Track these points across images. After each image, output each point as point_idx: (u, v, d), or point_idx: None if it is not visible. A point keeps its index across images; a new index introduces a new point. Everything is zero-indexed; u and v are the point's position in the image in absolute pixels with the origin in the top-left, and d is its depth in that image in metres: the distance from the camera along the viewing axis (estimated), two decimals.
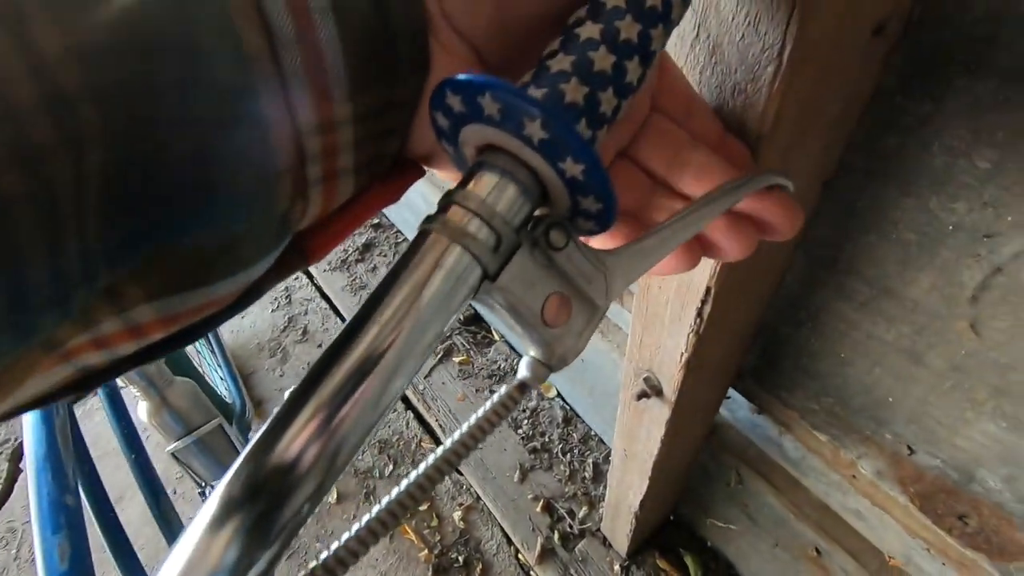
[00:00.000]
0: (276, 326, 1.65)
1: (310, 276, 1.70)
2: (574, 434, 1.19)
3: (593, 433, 1.18)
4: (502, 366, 1.32)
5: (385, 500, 0.20)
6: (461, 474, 1.28)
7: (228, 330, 1.65)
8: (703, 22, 0.28)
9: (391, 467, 1.34)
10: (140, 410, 0.83)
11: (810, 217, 0.44)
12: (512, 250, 0.19)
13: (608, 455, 1.16)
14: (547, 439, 1.20)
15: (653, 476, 0.68)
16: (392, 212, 1.72)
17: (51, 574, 0.38)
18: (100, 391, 0.62)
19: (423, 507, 1.25)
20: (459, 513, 1.23)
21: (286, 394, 0.19)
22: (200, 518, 0.16)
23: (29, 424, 0.49)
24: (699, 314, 0.42)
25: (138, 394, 0.83)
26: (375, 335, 0.18)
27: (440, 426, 1.29)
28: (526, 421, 1.23)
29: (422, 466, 0.19)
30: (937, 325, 0.41)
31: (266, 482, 0.16)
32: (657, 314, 0.47)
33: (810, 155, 0.36)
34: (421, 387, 1.33)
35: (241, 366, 1.56)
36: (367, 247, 1.72)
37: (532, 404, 1.25)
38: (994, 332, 0.38)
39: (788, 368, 0.57)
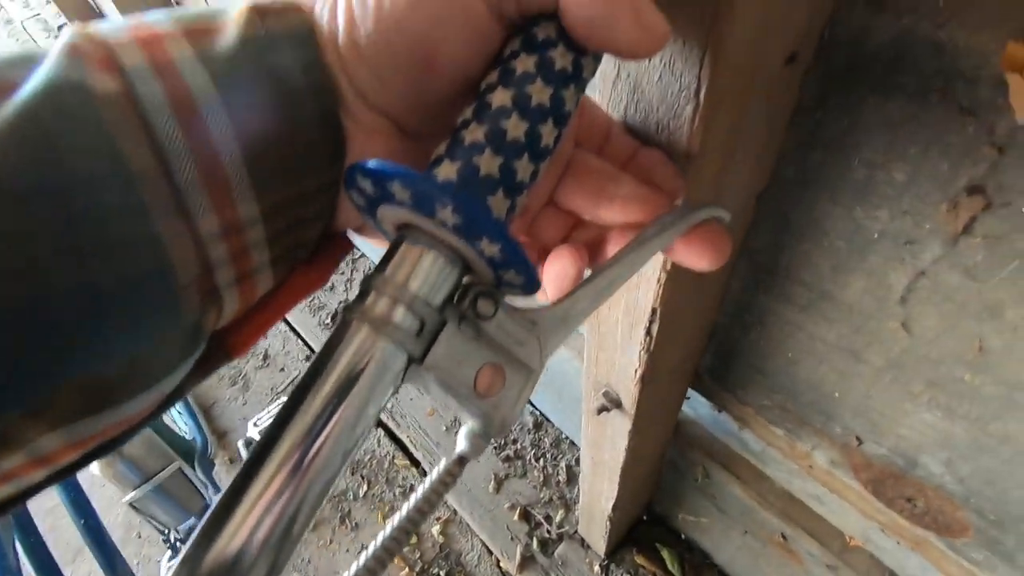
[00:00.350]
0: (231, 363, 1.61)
1: None
2: (545, 439, 1.20)
3: (564, 436, 1.19)
4: None
5: None
6: None
7: None
8: (623, 63, 0.28)
9: (365, 487, 1.32)
10: (91, 465, 0.79)
11: (749, 227, 0.45)
12: (437, 329, 0.19)
13: (580, 457, 1.17)
14: (519, 446, 1.20)
15: (622, 481, 0.69)
16: None
17: None
18: None
19: None
20: (437, 527, 1.22)
21: (215, 499, 0.18)
22: None
23: None
24: (648, 332, 0.43)
25: None
26: (304, 433, 0.17)
27: (412, 442, 1.28)
28: None
29: (363, 558, 0.19)
30: (872, 325, 0.43)
31: None
32: (609, 333, 0.47)
33: (741, 173, 0.36)
34: (389, 405, 1.31)
35: (200, 399, 1.51)
36: None
37: None
38: (923, 330, 0.40)
39: (741, 368, 0.58)
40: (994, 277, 0.34)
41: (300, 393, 0.17)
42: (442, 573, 1.18)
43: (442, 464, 0.20)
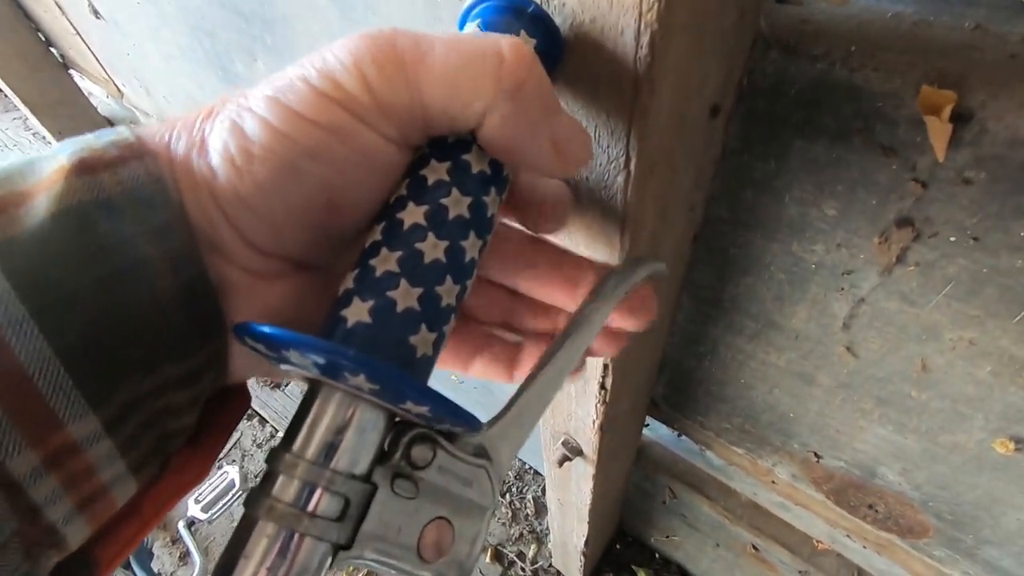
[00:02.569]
0: None
1: None
2: (509, 472, 1.17)
3: (528, 467, 1.17)
4: None
5: None
6: None
7: None
8: None
9: None
10: None
11: (691, 265, 0.45)
12: (366, 502, 0.16)
13: (545, 486, 1.15)
14: None
15: (592, 519, 0.67)
16: None
17: None
18: None
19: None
20: None
21: None
22: None
23: None
24: (602, 387, 0.41)
25: None
26: None
27: None
28: None
29: None
30: (820, 350, 0.43)
31: None
32: (564, 391, 0.45)
33: (676, 223, 0.36)
34: None
35: None
36: None
37: None
38: (868, 352, 0.40)
39: (698, 395, 0.58)
40: (930, 302, 0.34)
41: None
42: None
43: None
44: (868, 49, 0.27)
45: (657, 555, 1.03)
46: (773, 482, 0.61)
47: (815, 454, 0.52)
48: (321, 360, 0.14)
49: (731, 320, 0.46)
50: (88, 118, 1.29)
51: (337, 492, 0.15)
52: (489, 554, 1.07)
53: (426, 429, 0.18)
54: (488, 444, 0.19)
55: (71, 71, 1.25)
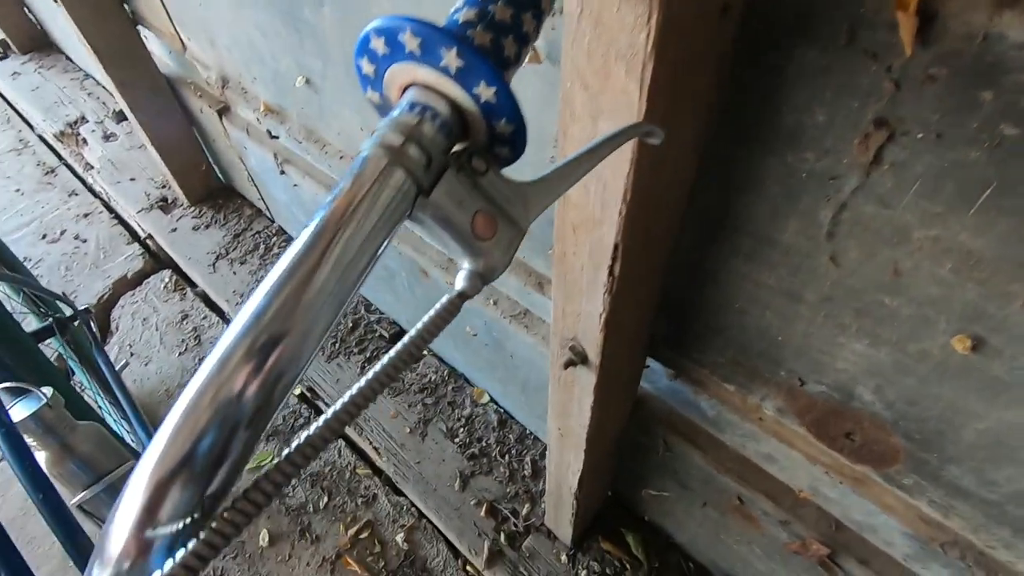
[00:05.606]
0: (185, 369, 1.55)
1: (220, 313, 1.62)
2: (510, 435, 1.21)
3: (528, 432, 1.21)
4: (432, 378, 1.32)
5: (332, 409, 0.21)
6: (401, 495, 1.25)
7: (132, 380, 1.53)
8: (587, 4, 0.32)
9: (326, 499, 1.29)
10: (39, 462, 0.75)
11: (697, 186, 0.50)
12: (441, 170, 0.22)
13: (544, 451, 1.19)
14: (484, 444, 1.21)
15: (588, 448, 0.72)
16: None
17: None
18: None
19: (364, 535, 1.21)
20: (401, 535, 1.21)
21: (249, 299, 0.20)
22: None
23: None
24: (611, 272, 0.47)
25: (34, 444, 0.76)
26: (318, 246, 0.20)
27: (375, 448, 1.26)
28: (462, 429, 1.23)
29: (362, 382, 0.21)
30: (807, 264, 0.48)
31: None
32: (575, 281, 0.51)
33: (685, 117, 0.41)
34: None
35: (149, 416, 1.44)
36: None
37: (467, 412, 1.26)
38: (849, 261, 0.45)
39: (696, 329, 0.63)
40: (900, 202, 0.40)
41: (325, 217, 0.20)
42: None
43: (444, 299, 0.23)
44: None
45: (646, 519, 1.06)
46: (760, 419, 0.66)
47: (800, 379, 0.57)
48: (426, 35, 0.20)
49: (730, 240, 0.52)
50: (148, 71, 1.39)
51: (424, 149, 0.21)
52: (484, 509, 1.11)
53: (483, 148, 0.24)
54: (523, 190, 0.25)
55: (138, 26, 1.35)
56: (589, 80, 0.36)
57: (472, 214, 0.23)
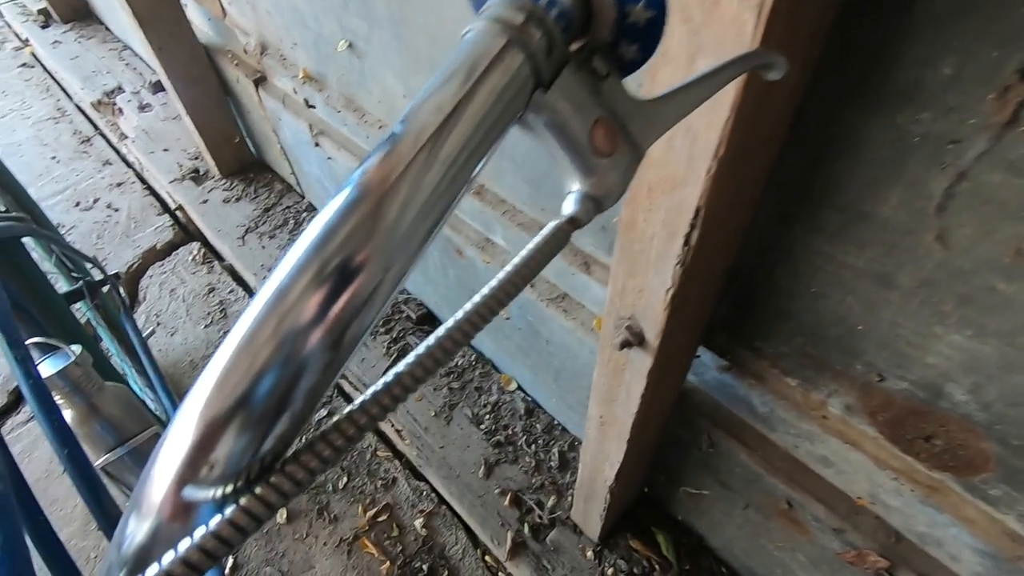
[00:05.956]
0: (210, 341, 1.54)
1: (247, 287, 1.61)
2: (537, 425, 1.17)
3: (556, 423, 1.17)
4: (459, 363, 1.29)
5: (424, 345, 0.17)
6: (421, 479, 1.23)
7: (157, 350, 1.52)
8: None
9: (345, 479, 1.26)
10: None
11: (781, 154, 0.46)
12: (562, 62, 0.18)
13: (573, 443, 1.15)
14: (511, 432, 1.17)
15: (632, 439, 0.68)
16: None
17: None
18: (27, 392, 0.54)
19: (382, 518, 1.19)
20: (420, 520, 1.18)
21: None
22: None
23: None
24: (687, 241, 0.42)
25: (61, 402, 0.74)
26: (426, 141, 0.16)
27: (398, 430, 1.23)
28: (488, 416, 1.20)
29: (466, 308, 0.17)
30: (906, 242, 0.43)
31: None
32: (642, 252, 0.47)
33: (794, 68, 0.37)
34: None
35: (174, 387, 1.44)
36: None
37: (494, 399, 1.22)
38: (960, 239, 0.40)
39: (761, 314, 0.58)
40: None
41: (432, 94, 0.16)
42: (425, 567, 1.13)
43: (550, 226, 0.19)
44: None
45: (679, 519, 1.02)
46: (824, 417, 0.61)
47: (879, 375, 0.52)
48: None
49: (814, 216, 0.47)
50: (187, 38, 1.37)
51: (547, 31, 0.17)
52: (509, 498, 1.08)
53: (606, 48, 0.20)
54: (644, 107, 0.21)
55: None
56: (692, 11, 0.32)
57: (591, 123, 0.19)
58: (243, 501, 0.15)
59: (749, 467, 0.76)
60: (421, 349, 0.17)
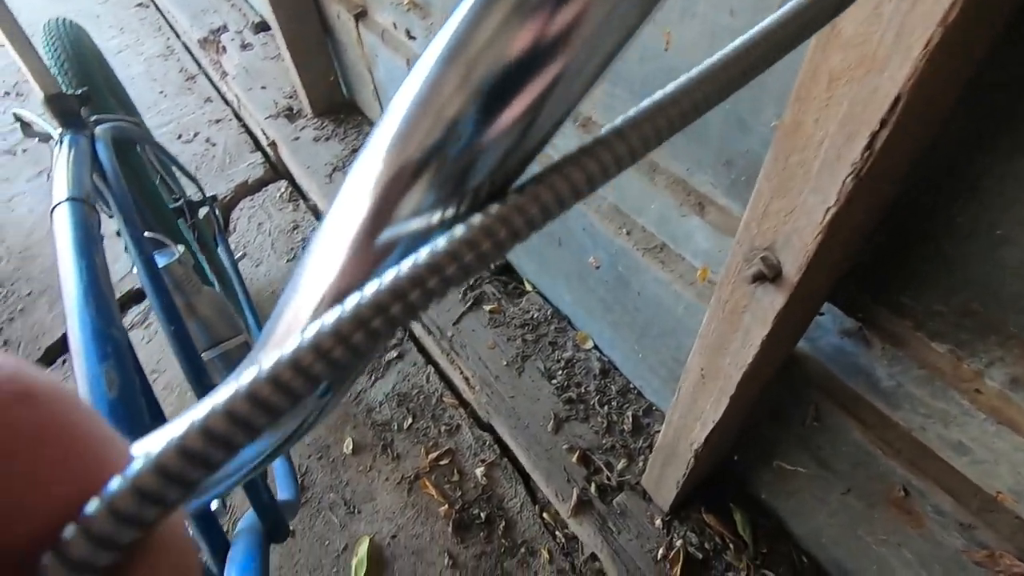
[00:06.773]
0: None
1: None
2: (612, 386, 1.13)
3: (632, 386, 1.12)
4: (535, 316, 1.26)
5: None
6: (485, 430, 1.21)
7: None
8: None
9: (410, 420, 1.27)
10: None
11: (990, 52, 0.38)
12: None
13: (649, 408, 1.10)
14: (583, 390, 1.13)
15: (736, 395, 0.62)
16: None
17: (99, 401, 0.32)
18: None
19: (444, 462, 1.19)
20: (481, 469, 1.17)
21: None
22: None
23: (67, 258, 0.43)
24: (870, 145, 0.36)
25: None
26: None
27: (465, 378, 1.22)
28: (561, 372, 1.16)
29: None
30: None
31: None
32: (803, 163, 0.40)
33: None
34: (450, 333, 1.26)
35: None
36: None
37: (568, 355, 1.19)
38: None
39: (917, 261, 0.51)
40: None
41: None
42: (482, 515, 1.12)
43: None
44: None
45: (759, 500, 0.95)
46: (977, 390, 0.53)
47: None
48: None
49: (1019, 135, 0.39)
50: None
51: None
52: (577, 455, 1.04)
53: None
54: None
55: None
56: None
57: None
58: (458, 230, 0.11)
59: (861, 447, 0.68)
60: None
